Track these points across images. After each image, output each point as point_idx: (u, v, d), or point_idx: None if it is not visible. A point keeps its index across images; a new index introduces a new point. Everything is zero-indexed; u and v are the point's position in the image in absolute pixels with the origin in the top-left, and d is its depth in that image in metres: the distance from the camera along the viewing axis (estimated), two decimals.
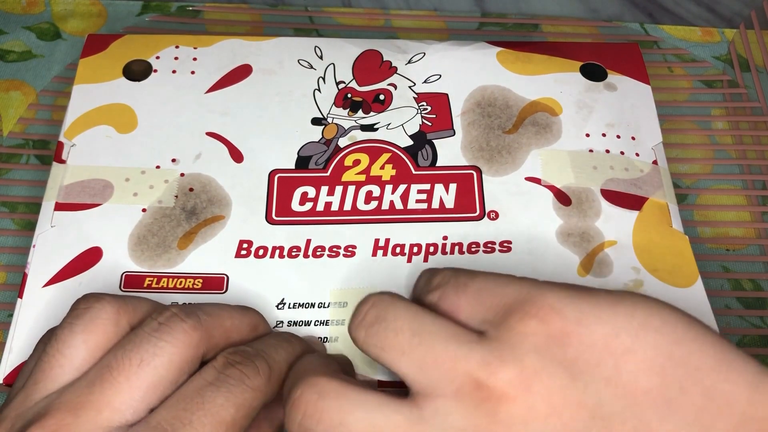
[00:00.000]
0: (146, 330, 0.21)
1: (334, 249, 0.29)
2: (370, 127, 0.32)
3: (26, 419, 0.20)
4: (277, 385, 0.23)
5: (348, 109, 0.32)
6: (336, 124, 0.32)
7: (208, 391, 0.21)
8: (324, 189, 0.30)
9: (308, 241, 0.29)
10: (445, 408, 0.19)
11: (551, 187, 0.30)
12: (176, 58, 0.34)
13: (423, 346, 0.20)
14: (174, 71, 0.33)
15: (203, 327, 0.22)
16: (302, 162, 0.31)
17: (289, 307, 0.27)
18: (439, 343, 0.20)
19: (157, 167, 0.30)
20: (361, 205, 0.30)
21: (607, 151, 0.32)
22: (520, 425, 0.19)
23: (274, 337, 0.24)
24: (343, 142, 0.31)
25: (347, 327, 0.22)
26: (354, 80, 0.33)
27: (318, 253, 0.29)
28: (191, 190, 0.30)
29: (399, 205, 0.30)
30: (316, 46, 0.34)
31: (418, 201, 0.30)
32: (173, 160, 0.31)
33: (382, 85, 0.33)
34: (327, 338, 0.27)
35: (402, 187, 0.30)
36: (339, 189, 0.30)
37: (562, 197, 0.30)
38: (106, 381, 0.21)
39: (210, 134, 0.32)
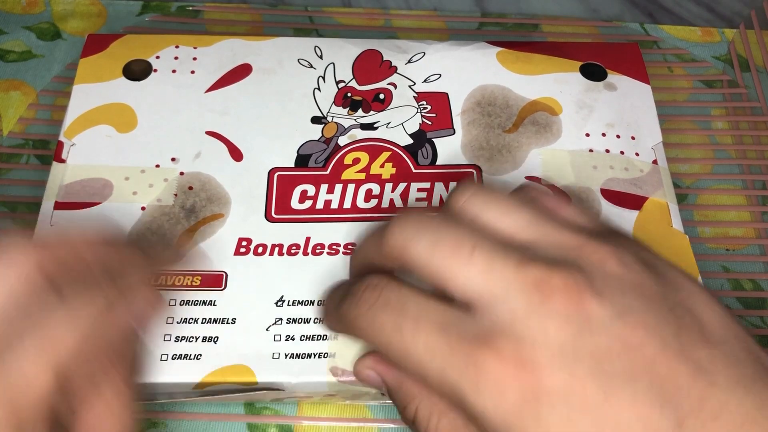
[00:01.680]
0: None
1: (334, 247, 0.29)
2: (369, 126, 0.32)
3: None
4: (123, 309, 0.22)
5: (348, 108, 0.32)
6: (336, 122, 0.32)
7: (44, 312, 0.20)
8: (324, 187, 0.30)
9: (308, 239, 0.29)
10: (506, 297, 0.20)
11: (551, 187, 0.30)
12: (176, 58, 0.34)
13: (483, 255, 0.20)
14: (174, 71, 0.33)
15: (44, 243, 0.22)
16: (302, 160, 0.31)
17: (288, 305, 0.27)
18: (498, 254, 0.20)
19: (157, 166, 0.30)
20: (360, 203, 0.30)
21: (607, 151, 0.32)
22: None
23: (124, 254, 0.24)
24: (342, 140, 0.31)
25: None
26: (354, 79, 0.33)
27: (317, 251, 0.29)
28: (191, 188, 0.30)
29: (399, 204, 0.30)
30: (316, 46, 0.34)
31: (418, 199, 0.30)
32: (173, 159, 0.31)
33: (382, 84, 0.33)
34: (326, 336, 0.27)
35: (402, 186, 0.30)
36: (339, 187, 0.30)
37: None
38: None
39: (209, 133, 0.31)
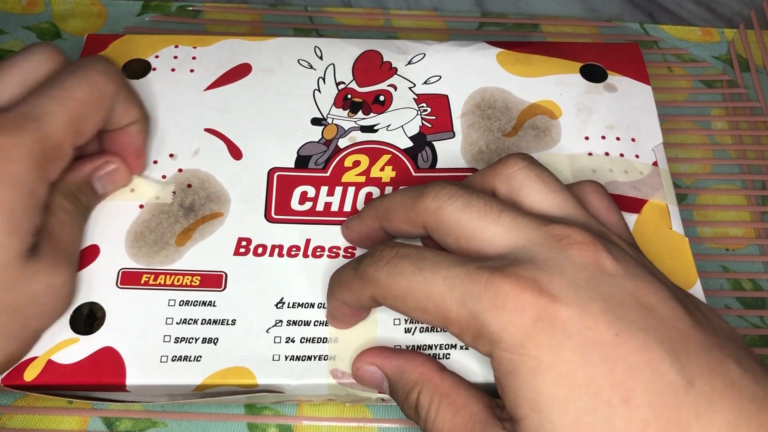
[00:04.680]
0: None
1: (334, 250, 0.29)
2: (370, 128, 0.32)
3: None
4: (126, 85, 0.27)
5: (348, 110, 0.32)
6: (336, 124, 0.32)
7: (64, 76, 0.25)
8: (324, 189, 0.30)
9: (308, 241, 0.29)
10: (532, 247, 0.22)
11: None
12: (175, 57, 0.34)
13: (509, 216, 0.22)
14: (173, 69, 0.33)
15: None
16: (302, 161, 0.31)
17: (288, 307, 0.27)
18: (524, 216, 0.23)
19: (155, 162, 0.30)
20: (361, 207, 0.30)
21: (607, 154, 0.32)
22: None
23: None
24: (342, 142, 0.31)
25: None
26: (354, 81, 0.33)
27: (318, 254, 0.29)
28: (189, 186, 0.30)
29: None
30: (315, 47, 0.34)
31: None
32: (171, 156, 0.31)
33: (382, 86, 0.33)
34: (326, 338, 0.27)
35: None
36: (339, 190, 0.30)
37: None
38: None
39: (208, 130, 0.31)
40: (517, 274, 0.21)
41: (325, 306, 0.28)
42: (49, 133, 0.24)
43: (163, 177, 0.30)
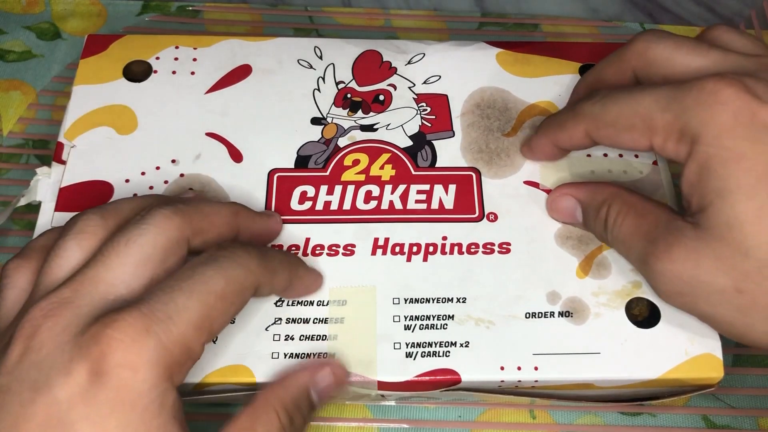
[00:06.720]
0: (131, 221, 0.23)
1: (333, 248, 0.29)
2: (369, 128, 0.32)
3: (32, 303, 0.22)
4: (270, 275, 0.24)
5: (348, 109, 0.32)
6: (336, 123, 0.32)
7: (199, 267, 0.22)
8: (323, 188, 0.30)
9: (307, 240, 0.29)
10: None
11: (549, 192, 0.30)
12: (176, 59, 0.34)
13: (719, 51, 0.25)
14: (174, 72, 0.33)
15: (182, 211, 0.24)
16: (302, 161, 0.31)
17: (287, 304, 0.28)
18: (732, 52, 0.25)
19: (157, 168, 0.31)
20: (360, 205, 0.30)
21: (605, 155, 0.32)
22: None
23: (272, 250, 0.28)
24: (342, 141, 0.31)
25: None
26: (354, 80, 0.33)
27: (317, 252, 0.29)
28: (191, 190, 0.30)
29: (398, 205, 0.30)
30: (315, 46, 0.34)
31: (417, 201, 0.30)
32: (173, 161, 0.31)
33: (382, 85, 0.33)
34: (326, 336, 0.27)
35: (401, 188, 0.30)
36: (338, 188, 0.30)
37: None
38: (99, 261, 0.22)
39: (210, 134, 0.32)
40: (724, 76, 0.22)
41: (323, 305, 0.28)
42: (180, 336, 0.21)
43: (165, 182, 0.30)
